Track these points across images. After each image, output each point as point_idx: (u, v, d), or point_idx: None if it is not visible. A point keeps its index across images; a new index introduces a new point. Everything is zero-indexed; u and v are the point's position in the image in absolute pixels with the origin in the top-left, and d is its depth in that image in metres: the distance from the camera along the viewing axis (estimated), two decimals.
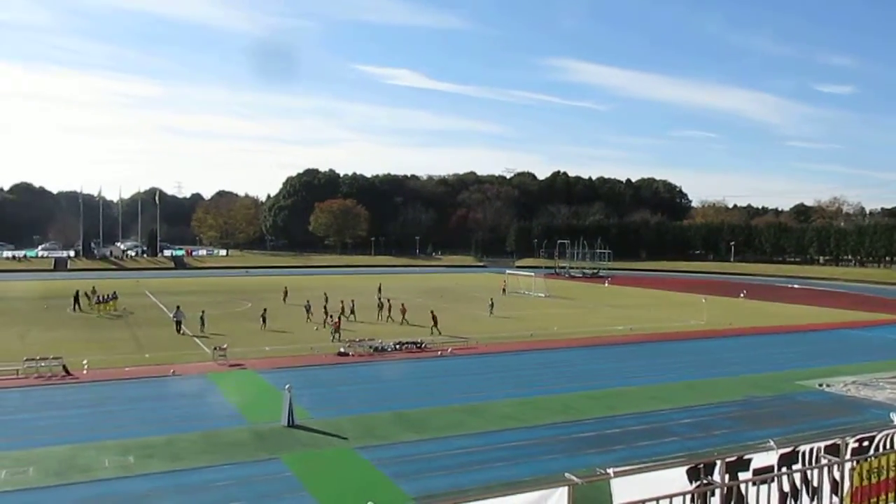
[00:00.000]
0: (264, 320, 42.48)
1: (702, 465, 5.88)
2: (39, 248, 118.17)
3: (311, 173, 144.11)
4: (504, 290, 67.36)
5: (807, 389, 27.92)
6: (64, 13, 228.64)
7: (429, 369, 31.68)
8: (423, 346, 35.85)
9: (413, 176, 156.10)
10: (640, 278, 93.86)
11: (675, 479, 5.71)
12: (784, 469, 6.35)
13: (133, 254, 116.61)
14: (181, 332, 39.85)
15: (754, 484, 6.09)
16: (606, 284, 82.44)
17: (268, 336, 39.50)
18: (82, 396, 25.93)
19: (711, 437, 21.08)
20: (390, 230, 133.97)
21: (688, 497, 5.61)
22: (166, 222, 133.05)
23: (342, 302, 46.97)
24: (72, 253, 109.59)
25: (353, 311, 46.34)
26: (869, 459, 6.74)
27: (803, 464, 6.47)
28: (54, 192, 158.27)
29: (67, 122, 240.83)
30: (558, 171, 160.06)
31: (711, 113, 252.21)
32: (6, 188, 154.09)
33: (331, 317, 42.74)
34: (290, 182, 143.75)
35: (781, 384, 28.78)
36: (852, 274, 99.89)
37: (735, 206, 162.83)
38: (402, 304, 46.63)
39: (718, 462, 5.94)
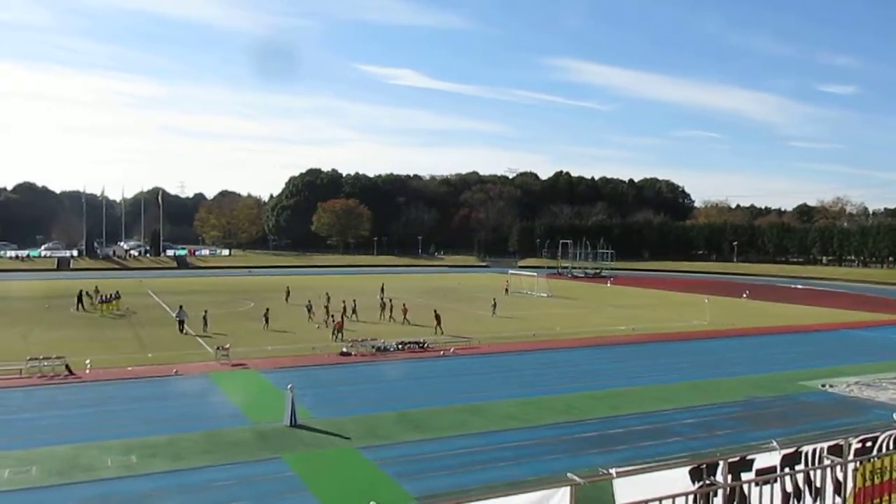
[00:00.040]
0: (267, 320, 42.51)
1: (704, 466, 5.87)
2: (42, 247, 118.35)
3: (313, 173, 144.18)
4: (507, 290, 67.32)
5: (810, 390, 27.87)
6: (66, 13, 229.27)
7: (431, 369, 31.67)
8: (426, 345, 35.85)
9: (416, 176, 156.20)
10: (642, 278, 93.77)
11: (678, 479, 5.70)
12: (787, 469, 6.34)
13: (136, 253, 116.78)
14: (184, 331, 39.90)
15: (757, 484, 6.08)
16: (609, 284, 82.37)
17: (270, 336, 39.53)
18: (85, 396, 25.97)
19: (714, 438, 21.06)
20: (393, 230, 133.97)
21: (690, 497, 5.60)
22: (169, 222, 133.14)
23: (343, 302, 47.00)
24: (75, 252, 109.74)
25: (354, 311, 46.35)
26: (872, 460, 6.72)
27: (806, 464, 6.46)
28: (57, 191, 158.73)
29: (70, 122, 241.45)
30: (561, 171, 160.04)
31: (714, 113, 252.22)
32: (9, 188, 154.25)
33: (332, 317, 42.76)
34: (292, 182, 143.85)
35: (784, 384, 28.74)
36: (855, 274, 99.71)
37: (738, 206, 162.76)
38: (404, 304, 46.64)
39: (721, 462, 5.93)
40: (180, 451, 19.25)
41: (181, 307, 42.08)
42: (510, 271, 79.86)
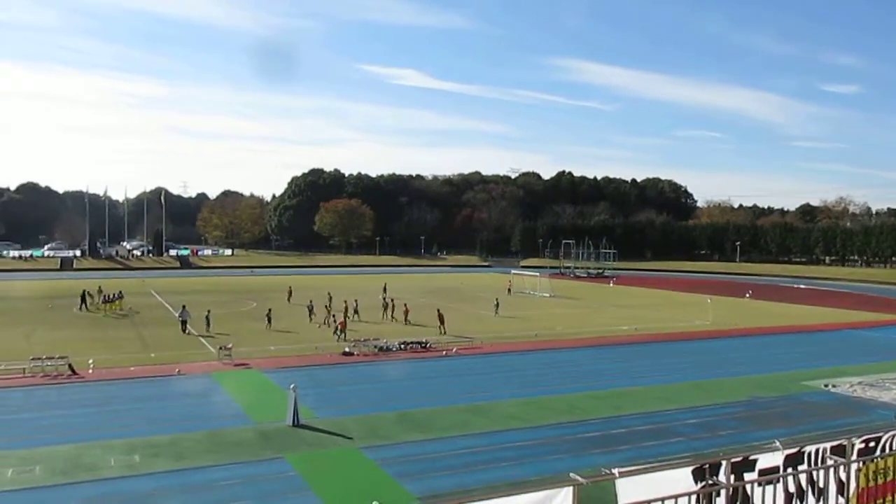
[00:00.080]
0: (269, 320, 42.55)
1: (707, 466, 5.86)
2: (45, 247, 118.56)
3: (316, 173, 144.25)
4: (509, 289, 67.31)
5: (812, 390, 27.83)
6: (69, 13, 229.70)
7: (433, 369, 31.68)
8: (428, 345, 35.86)
9: (418, 176, 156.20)
10: (645, 278, 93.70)
11: (681, 479, 5.69)
12: (790, 470, 6.32)
13: (139, 253, 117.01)
14: (186, 331, 39.95)
15: (760, 485, 6.07)
16: (611, 284, 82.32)
17: (273, 336, 39.56)
18: (88, 396, 26.02)
19: (717, 438, 21.04)
20: (395, 230, 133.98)
21: (693, 497, 5.59)
22: (172, 222, 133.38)
23: (345, 302, 47.01)
24: (78, 252, 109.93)
25: (356, 311, 46.38)
26: (875, 460, 6.71)
27: (809, 464, 6.45)
28: (60, 191, 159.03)
29: (73, 122, 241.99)
30: (563, 171, 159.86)
31: (716, 113, 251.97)
32: (12, 188, 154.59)
33: (333, 316, 42.73)
34: (295, 182, 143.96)
35: (787, 384, 28.71)
36: (858, 274, 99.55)
37: (740, 206, 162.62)
38: (405, 305, 46.64)
39: (724, 462, 5.91)
40: (183, 451, 19.27)
41: (184, 307, 42.13)
42: (513, 271, 79.83)
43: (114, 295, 51.55)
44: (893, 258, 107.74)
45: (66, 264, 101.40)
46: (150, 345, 36.27)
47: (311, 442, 20.40)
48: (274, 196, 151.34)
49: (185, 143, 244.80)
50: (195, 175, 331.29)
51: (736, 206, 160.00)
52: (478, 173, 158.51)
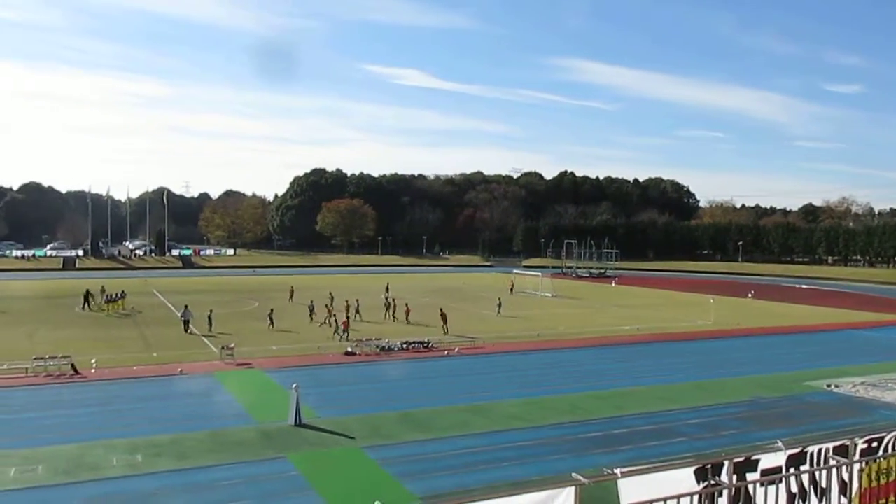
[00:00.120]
0: (271, 320, 42.56)
1: (709, 466, 5.86)
2: (48, 247, 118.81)
3: (318, 173, 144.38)
4: (511, 289, 67.33)
5: (815, 390, 27.80)
6: (73, 13, 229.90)
7: (435, 369, 31.69)
8: (430, 345, 35.87)
9: (420, 175, 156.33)
10: (647, 278, 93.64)
11: (683, 479, 5.69)
12: (792, 470, 6.32)
13: (141, 253, 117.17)
14: (189, 331, 39.97)
15: (762, 485, 6.07)
16: (614, 284, 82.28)
17: (275, 335, 39.58)
18: (90, 395, 26.05)
19: (719, 438, 21.02)
20: (397, 230, 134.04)
21: (695, 497, 5.59)
22: (174, 222, 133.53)
23: (347, 301, 47.02)
24: (80, 252, 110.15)
25: (357, 311, 46.35)
26: (878, 460, 6.70)
27: (811, 465, 6.45)
28: (63, 191, 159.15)
29: (76, 122, 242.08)
30: (565, 171, 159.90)
31: (718, 112, 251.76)
32: (15, 188, 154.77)
33: (334, 316, 42.68)
34: (297, 182, 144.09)
35: (789, 385, 28.67)
36: (861, 274, 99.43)
37: (743, 205, 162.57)
38: (406, 305, 46.65)
39: (726, 462, 5.92)
40: (185, 451, 19.29)
41: (186, 307, 42.15)
42: (515, 271, 79.81)
43: (116, 295, 51.62)
44: None
45: (68, 264, 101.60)
46: (153, 344, 36.31)
47: (314, 441, 20.41)
48: (276, 196, 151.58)
49: (188, 143, 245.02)
50: (197, 175, 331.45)
51: (738, 206, 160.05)
52: (480, 173, 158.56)
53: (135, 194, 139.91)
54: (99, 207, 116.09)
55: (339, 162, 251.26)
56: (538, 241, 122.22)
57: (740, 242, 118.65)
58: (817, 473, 6.38)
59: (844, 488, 6.45)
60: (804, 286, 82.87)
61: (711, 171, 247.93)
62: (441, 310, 42.60)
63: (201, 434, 20.85)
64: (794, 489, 6.28)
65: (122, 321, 45.56)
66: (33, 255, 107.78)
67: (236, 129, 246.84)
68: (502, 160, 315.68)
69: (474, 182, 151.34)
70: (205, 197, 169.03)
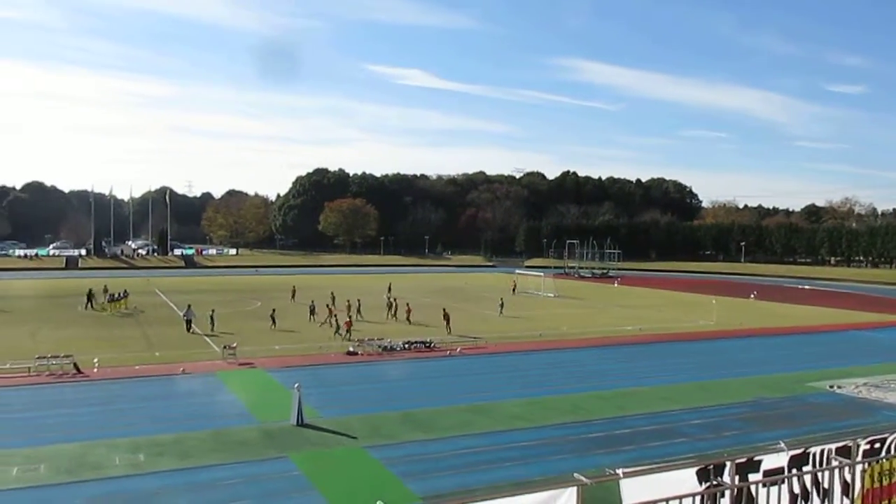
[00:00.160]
0: (274, 319, 42.58)
1: (712, 466, 5.85)
2: (51, 246, 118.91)
3: (320, 173, 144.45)
4: (514, 289, 67.32)
5: (817, 391, 27.76)
6: (77, 13, 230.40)
7: (437, 369, 31.69)
8: (432, 345, 35.86)
9: (423, 175, 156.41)
10: (649, 279, 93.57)
11: (685, 480, 5.68)
12: (794, 471, 6.31)
13: (144, 252, 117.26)
14: (191, 330, 40.01)
15: (764, 485, 6.06)
16: (616, 285, 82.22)
17: (277, 335, 39.60)
18: (93, 394, 26.08)
19: (721, 438, 21.00)
20: (400, 230, 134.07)
21: (697, 498, 5.58)
22: (177, 221, 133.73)
23: (348, 301, 47.04)
24: (83, 251, 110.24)
25: (359, 311, 46.35)
26: (880, 461, 6.69)
27: (814, 465, 6.43)
28: (66, 191, 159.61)
29: (79, 122, 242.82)
30: (568, 171, 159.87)
31: (720, 112, 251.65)
32: (18, 187, 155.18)
33: (335, 316, 42.67)
34: (299, 181, 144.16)
35: (792, 385, 28.64)
36: (863, 275, 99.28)
37: (745, 206, 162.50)
38: (408, 304, 46.65)
39: (728, 463, 5.90)
40: (188, 450, 19.31)
41: (189, 306, 42.17)
42: (517, 271, 79.80)
43: (119, 294, 51.69)
44: None
45: (71, 263, 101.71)
46: (155, 344, 36.35)
47: (316, 441, 20.42)
48: (279, 196, 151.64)
49: (191, 143, 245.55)
50: (200, 175, 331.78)
51: (741, 206, 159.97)
52: (482, 173, 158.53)
53: (137, 194, 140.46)
54: (102, 207, 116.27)
55: (342, 162, 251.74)
56: (540, 241, 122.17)
57: (743, 243, 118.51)
58: (820, 474, 6.37)
59: (847, 489, 6.44)
60: (807, 287, 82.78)
61: (714, 171, 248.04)
62: (444, 310, 42.61)
63: (203, 433, 20.87)
64: (797, 490, 6.27)
65: (124, 320, 45.61)
66: (36, 255, 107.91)
67: (239, 129, 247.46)
68: (505, 160, 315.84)
69: (477, 182, 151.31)
70: (207, 196, 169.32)
